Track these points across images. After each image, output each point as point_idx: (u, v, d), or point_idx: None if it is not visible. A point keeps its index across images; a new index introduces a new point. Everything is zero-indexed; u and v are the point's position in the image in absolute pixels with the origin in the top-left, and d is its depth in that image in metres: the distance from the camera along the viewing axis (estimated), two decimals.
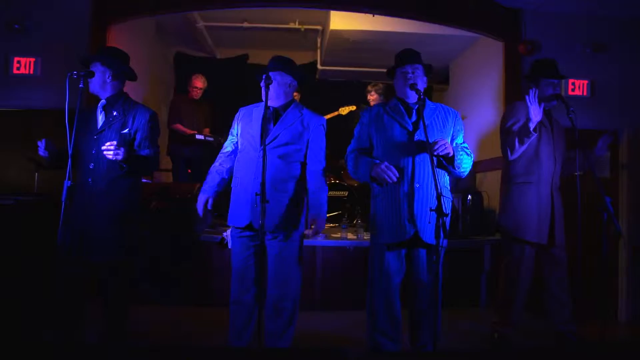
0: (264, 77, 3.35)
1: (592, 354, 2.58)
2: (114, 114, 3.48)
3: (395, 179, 3.22)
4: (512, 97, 5.42)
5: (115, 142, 3.22)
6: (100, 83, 3.49)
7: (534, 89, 3.74)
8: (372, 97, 6.71)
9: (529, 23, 5.55)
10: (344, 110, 7.07)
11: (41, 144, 3.35)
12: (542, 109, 3.77)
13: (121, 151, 3.23)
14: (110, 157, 3.23)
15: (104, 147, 3.23)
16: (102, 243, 3.39)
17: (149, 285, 4.86)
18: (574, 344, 3.92)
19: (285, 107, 3.55)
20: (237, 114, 3.68)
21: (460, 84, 7.76)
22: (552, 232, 3.94)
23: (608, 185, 5.41)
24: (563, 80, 5.28)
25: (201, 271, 5.01)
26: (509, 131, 3.97)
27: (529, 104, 3.67)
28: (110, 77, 3.50)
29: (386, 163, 3.26)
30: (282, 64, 3.52)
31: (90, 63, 3.49)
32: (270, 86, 3.37)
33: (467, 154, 3.40)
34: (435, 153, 3.15)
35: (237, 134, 3.63)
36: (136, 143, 3.52)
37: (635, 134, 5.49)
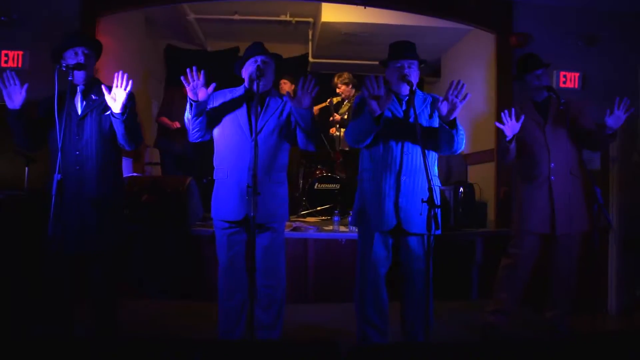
0: (270, 60, 3.40)
1: (581, 345, 2.59)
2: (94, 98, 3.37)
3: (381, 89, 3.12)
4: (504, 89, 5.44)
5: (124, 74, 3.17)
6: (93, 69, 3.42)
7: (512, 110, 3.75)
8: (341, 89, 6.70)
9: (520, 15, 5.55)
10: (336, 100, 7.00)
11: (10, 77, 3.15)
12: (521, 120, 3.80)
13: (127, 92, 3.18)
14: (121, 85, 3.16)
15: (115, 81, 3.16)
16: (97, 232, 3.31)
17: (139, 279, 4.84)
18: (564, 335, 3.94)
19: (267, 93, 3.48)
20: (210, 99, 3.45)
21: (452, 76, 7.75)
22: (552, 222, 3.95)
23: (598, 178, 5.42)
24: (554, 73, 5.30)
25: (192, 265, 4.99)
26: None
27: (504, 121, 3.71)
28: (94, 62, 3.45)
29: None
30: (268, 50, 3.47)
31: (77, 47, 3.34)
32: (262, 73, 3.30)
33: (461, 129, 3.33)
34: (458, 97, 3.13)
35: (212, 118, 3.45)
36: None
37: (625, 126, 5.48)
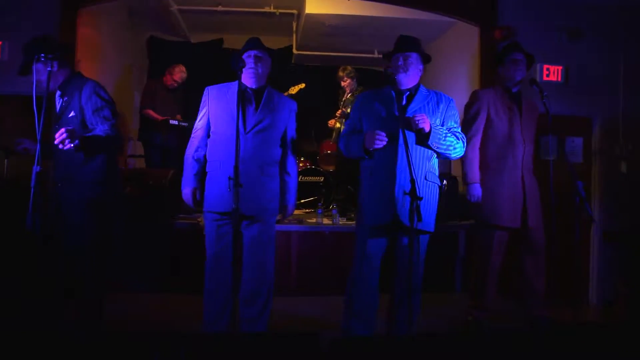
0: (257, 55, 3.42)
1: (563, 337, 2.61)
2: (65, 99, 3.38)
3: (383, 142, 3.22)
4: (488, 82, 5.44)
5: (63, 130, 3.00)
6: (51, 78, 3.22)
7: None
8: (346, 83, 6.69)
9: (504, 8, 5.54)
10: (294, 90, 6.83)
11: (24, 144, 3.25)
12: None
13: (70, 138, 3.03)
14: (63, 147, 3.02)
15: (56, 138, 3.01)
16: (74, 231, 3.35)
17: (123, 272, 4.81)
18: (546, 327, 3.98)
19: (262, 89, 3.50)
20: (206, 94, 3.55)
21: (436, 68, 7.73)
22: (524, 216, 3.97)
23: (581, 171, 5.46)
24: (538, 66, 5.32)
25: (176, 258, 4.96)
26: (467, 123, 4.09)
27: None
28: (56, 67, 3.27)
29: (377, 131, 3.24)
30: (263, 45, 3.49)
31: (31, 67, 3.26)
32: (256, 67, 3.38)
33: (457, 138, 3.39)
34: (413, 127, 3.19)
35: (209, 116, 3.52)
36: (87, 120, 3.37)
37: (608, 120, 5.54)
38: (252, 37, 3.54)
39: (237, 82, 3.48)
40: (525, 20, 5.49)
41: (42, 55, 3.22)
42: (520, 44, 4.08)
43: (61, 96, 3.42)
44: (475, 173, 4.01)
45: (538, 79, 5.27)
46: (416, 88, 3.43)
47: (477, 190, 3.99)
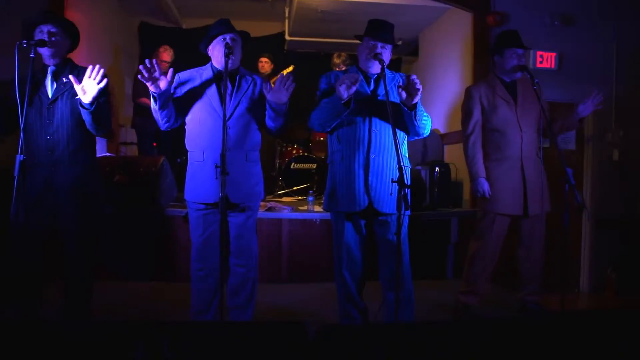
0: (238, 37, 3.34)
1: (553, 324, 2.61)
2: (65, 80, 3.27)
3: (356, 78, 3.10)
4: (480, 68, 5.42)
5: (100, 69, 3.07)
6: (63, 50, 3.30)
7: None
8: (341, 69, 6.64)
9: None
10: (283, 74, 6.80)
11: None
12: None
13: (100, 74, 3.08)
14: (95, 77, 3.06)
15: (88, 72, 3.06)
16: (69, 217, 3.28)
17: (113, 260, 4.79)
18: (536, 313, 3.98)
19: (237, 72, 3.42)
20: (176, 79, 3.38)
21: (430, 55, 7.73)
22: (525, 204, 3.97)
23: (573, 158, 5.46)
24: (531, 52, 5.29)
25: (166, 246, 4.95)
26: (465, 122, 4.10)
27: None
28: (65, 43, 3.32)
29: (345, 75, 3.15)
30: (233, 27, 3.39)
31: (42, 24, 3.21)
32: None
33: (426, 115, 3.34)
34: (412, 91, 3.09)
35: (180, 100, 3.37)
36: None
37: (600, 107, 5.52)
38: (222, 19, 3.42)
39: (208, 66, 3.43)
40: (518, 6, 5.47)
41: (50, 25, 3.22)
42: (519, 36, 4.03)
43: (55, 76, 3.28)
44: (480, 169, 4.00)
45: (531, 66, 5.25)
46: (383, 70, 3.25)
47: (483, 186, 3.97)
